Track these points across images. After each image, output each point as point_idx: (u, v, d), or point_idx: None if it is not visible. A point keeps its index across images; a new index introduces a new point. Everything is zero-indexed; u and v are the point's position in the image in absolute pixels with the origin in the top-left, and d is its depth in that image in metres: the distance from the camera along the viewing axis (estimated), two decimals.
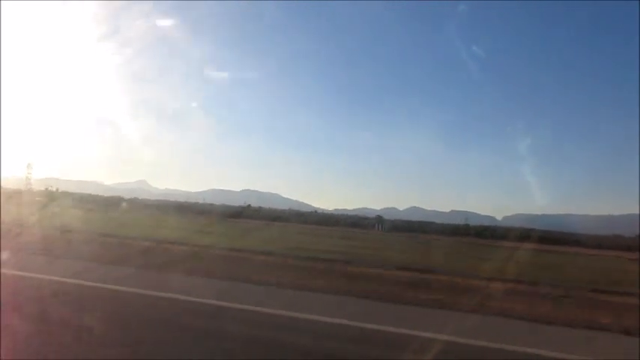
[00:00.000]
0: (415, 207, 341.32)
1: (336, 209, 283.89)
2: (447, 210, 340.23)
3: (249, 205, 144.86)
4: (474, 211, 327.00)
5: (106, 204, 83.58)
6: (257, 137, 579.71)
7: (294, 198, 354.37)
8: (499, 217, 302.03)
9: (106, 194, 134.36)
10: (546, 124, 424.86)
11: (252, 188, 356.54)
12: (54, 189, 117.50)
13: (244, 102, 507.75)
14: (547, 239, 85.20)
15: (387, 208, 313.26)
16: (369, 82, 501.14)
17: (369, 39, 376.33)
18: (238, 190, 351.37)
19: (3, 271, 9.52)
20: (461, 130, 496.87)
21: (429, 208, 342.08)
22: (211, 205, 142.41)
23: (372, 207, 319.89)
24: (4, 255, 11.51)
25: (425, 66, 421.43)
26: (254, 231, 42.25)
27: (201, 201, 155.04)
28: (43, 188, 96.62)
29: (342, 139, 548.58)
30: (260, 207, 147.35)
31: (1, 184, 79.14)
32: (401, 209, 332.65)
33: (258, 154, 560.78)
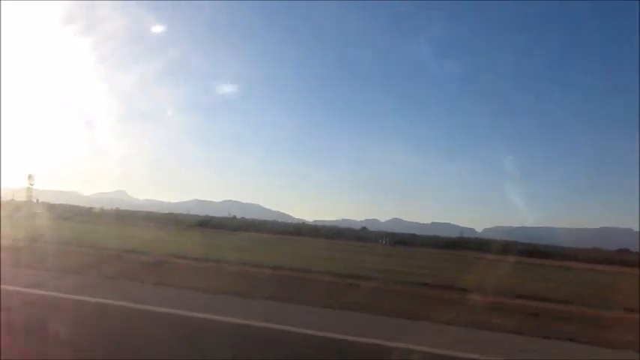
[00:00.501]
0: (397, 219, 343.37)
1: (316, 220, 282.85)
2: (429, 222, 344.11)
3: (235, 217, 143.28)
4: (454, 223, 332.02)
5: (100, 216, 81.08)
6: (237, 148, 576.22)
7: (274, 209, 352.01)
8: (479, 229, 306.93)
9: (86, 205, 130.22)
10: (526, 138, 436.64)
11: (232, 199, 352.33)
12: (34, 200, 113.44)
13: (224, 112, 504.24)
14: (546, 253, 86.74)
15: (369, 220, 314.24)
16: (351, 93, 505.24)
17: (351, 50, 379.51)
18: (219, 200, 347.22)
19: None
20: (441, 143, 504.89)
21: (410, 220, 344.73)
22: (198, 216, 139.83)
23: (353, 218, 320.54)
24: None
25: (406, 77, 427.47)
26: (287, 246, 40.78)
27: (185, 212, 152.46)
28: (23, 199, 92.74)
29: (322, 150, 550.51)
30: (243, 218, 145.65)
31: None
32: (382, 221, 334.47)
33: (237, 164, 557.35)
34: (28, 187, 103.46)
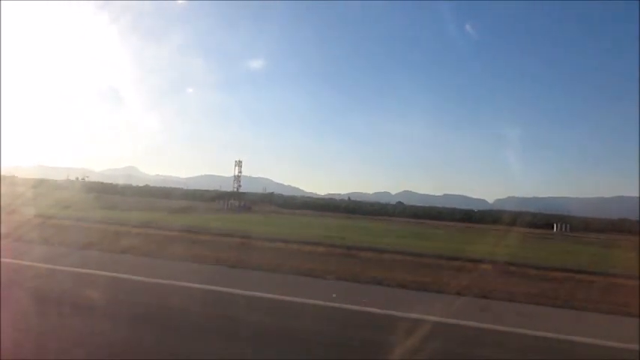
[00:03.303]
0: (407, 191, 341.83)
1: (328, 194, 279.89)
2: (440, 194, 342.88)
3: (272, 193, 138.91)
4: (466, 194, 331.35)
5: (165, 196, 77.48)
6: (247, 122, 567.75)
7: (285, 183, 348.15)
8: (490, 200, 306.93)
9: (96, 181, 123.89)
10: (537, 109, 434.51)
11: (243, 173, 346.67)
12: (73, 178, 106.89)
13: (235, 87, 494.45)
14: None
15: (380, 193, 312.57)
16: (362, 67, 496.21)
17: (362, 23, 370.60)
18: (229, 175, 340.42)
19: None
20: (452, 116, 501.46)
21: (422, 192, 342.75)
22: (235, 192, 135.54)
23: (364, 191, 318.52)
24: None
25: (418, 51, 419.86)
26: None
27: (200, 188, 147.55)
28: (36, 177, 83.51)
29: (331, 124, 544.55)
30: (282, 195, 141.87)
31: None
32: (393, 193, 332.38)
33: (247, 138, 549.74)
34: (237, 175, 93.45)
